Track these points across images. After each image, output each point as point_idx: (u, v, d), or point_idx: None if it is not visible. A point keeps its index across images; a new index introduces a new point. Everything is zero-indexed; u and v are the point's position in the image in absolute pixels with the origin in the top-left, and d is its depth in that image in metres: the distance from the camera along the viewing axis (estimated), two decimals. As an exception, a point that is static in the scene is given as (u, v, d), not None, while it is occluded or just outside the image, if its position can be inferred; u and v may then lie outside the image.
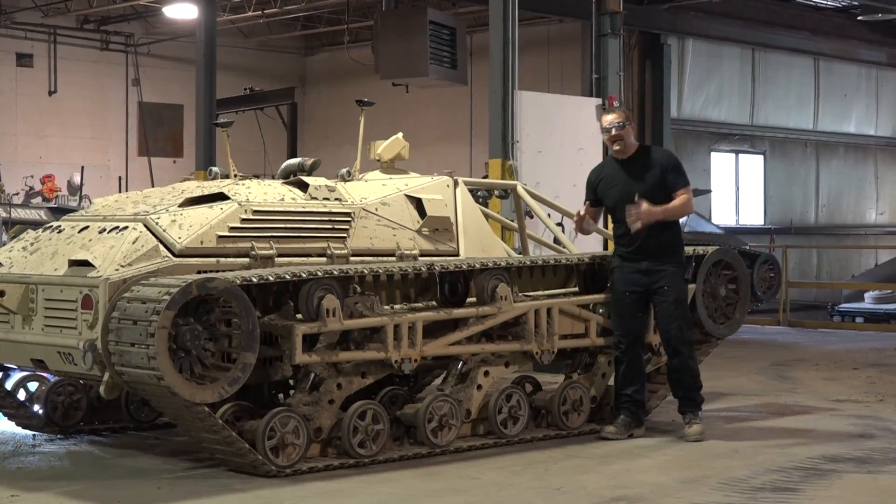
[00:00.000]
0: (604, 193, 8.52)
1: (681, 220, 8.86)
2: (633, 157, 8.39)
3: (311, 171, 8.46)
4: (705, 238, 17.56)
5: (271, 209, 7.70)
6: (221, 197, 7.67)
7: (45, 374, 8.36)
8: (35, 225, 11.52)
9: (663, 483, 7.04)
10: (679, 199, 8.29)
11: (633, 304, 8.44)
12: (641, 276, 8.35)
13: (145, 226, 7.30)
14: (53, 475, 7.29)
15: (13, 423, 8.58)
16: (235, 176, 8.46)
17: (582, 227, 8.68)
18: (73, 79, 23.86)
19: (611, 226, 9.08)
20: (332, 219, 7.93)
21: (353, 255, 7.92)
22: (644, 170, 8.33)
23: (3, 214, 14.62)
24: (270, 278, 7.08)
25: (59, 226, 7.84)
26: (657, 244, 8.32)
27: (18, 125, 23.29)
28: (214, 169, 8.63)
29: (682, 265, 8.50)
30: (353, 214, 8.03)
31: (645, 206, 8.14)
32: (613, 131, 8.34)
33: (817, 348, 15.28)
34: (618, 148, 8.36)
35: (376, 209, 8.18)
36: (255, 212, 7.61)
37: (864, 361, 13.59)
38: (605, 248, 12.77)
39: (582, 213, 8.60)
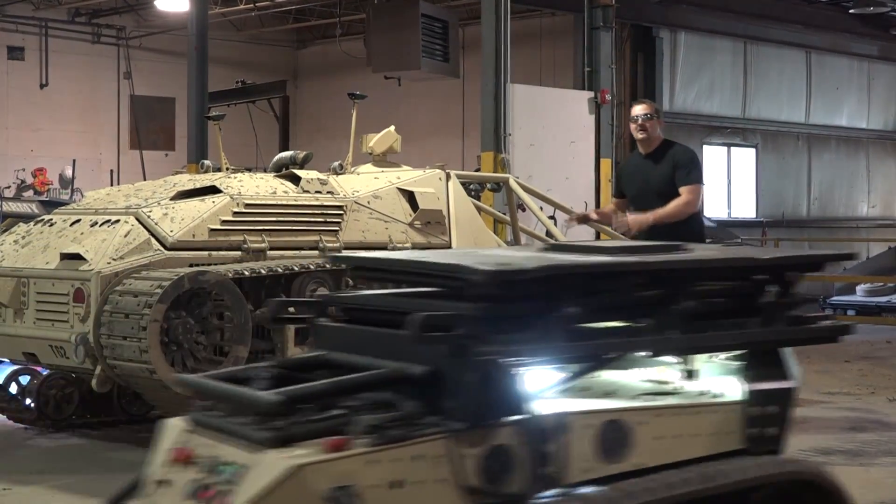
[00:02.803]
0: (626, 185, 8.57)
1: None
2: (656, 151, 8.40)
3: (303, 165, 8.46)
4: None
5: (263, 202, 7.70)
6: (213, 190, 7.67)
7: (36, 368, 8.35)
8: (26, 218, 11.50)
9: (655, 476, 7.03)
10: (676, 200, 8.14)
11: None
12: None
13: (137, 219, 7.29)
14: (45, 469, 7.28)
15: (5, 416, 8.57)
16: (227, 169, 8.45)
17: (586, 220, 8.76)
18: (64, 72, 23.81)
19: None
20: (325, 212, 7.93)
21: (346, 248, 7.92)
22: (660, 164, 8.34)
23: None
24: (262, 271, 7.07)
25: (51, 219, 7.83)
26: (670, 238, 8.26)
27: (10, 118, 23.24)
28: (206, 162, 8.63)
29: None
30: (345, 207, 8.02)
31: (631, 217, 8.12)
32: (640, 121, 8.35)
33: (809, 341, 15.27)
34: (642, 136, 8.38)
35: (368, 202, 8.18)
36: (247, 205, 7.60)
37: (856, 354, 13.61)
38: (598, 239, 12.77)
39: (592, 213, 8.79)
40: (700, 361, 3.93)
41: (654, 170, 8.33)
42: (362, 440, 3.10)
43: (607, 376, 3.85)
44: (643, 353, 3.72)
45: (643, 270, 3.59)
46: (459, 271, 3.35)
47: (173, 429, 3.56)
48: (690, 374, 3.91)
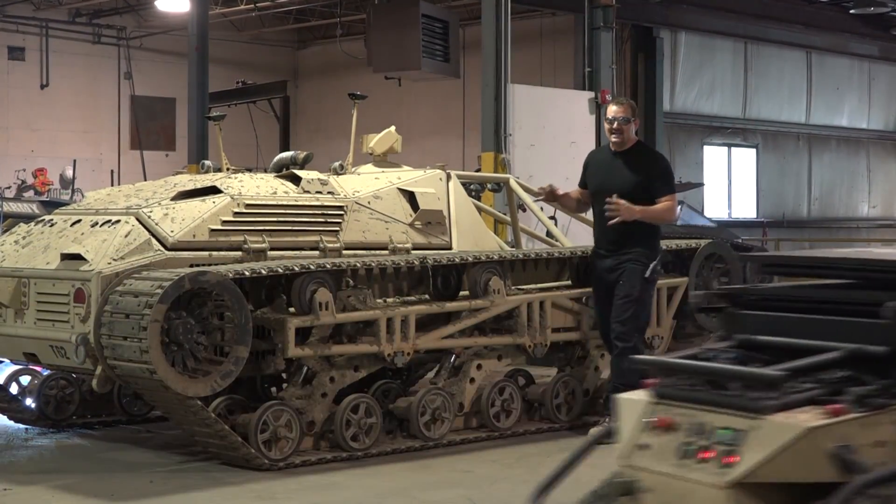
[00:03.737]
0: (590, 178, 8.39)
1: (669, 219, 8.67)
2: (628, 152, 8.24)
3: (303, 165, 8.46)
4: (697, 231, 17.57)
5: (264, 203, 7.70)
6: (214, 190, 7.67)
7: (37, 368, 8.36)
8: (27, 218, 11.50)
9: (656, 476, 7.04)
10: (662, 204, 8.02)
11: (601, 300, 8.21)
12: (607, 271, 8.11)
13: (138, 219, 7.29)
14: (46, 469, 7.29)
15: (5, 416, 8.57)
16: (228, 169, 8.46)
17: (554, 198, 8.44)
18: (65, 72, 23.81)
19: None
20: (325, 212, 7.93)
21: (346, 249, 7.92)
22: (631, 167, 8.14)
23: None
24: (263, 272, 7.07)
25: (52, 219, 7.83)
26: (624, 241, 8.04)
27: (10, 119, 23.24)
28: (207, 162, 8.63)
29: (645, 264, 8.06)
30: (345, 208, 8.03)
31: (624, 202, 7.93)
32: (616, 124, 8.16)
33: (809, 341, 15.27)
34: (616, 140, 8.22)
35: (369, 202, 8.18)
36: (248, 205, 7.61)
37: (857, 354, 13.58)
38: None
39: (559, 189, 8.41)
40: None
41: (622, 170, 8.12)
42: (853, 407, 3.79)
43: None
44: None
45: None
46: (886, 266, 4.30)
47: (637, 403, 4.25)
48: None
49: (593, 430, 7.78)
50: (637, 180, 8.06)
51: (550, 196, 8.40)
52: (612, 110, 8.28)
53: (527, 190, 9.77)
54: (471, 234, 8.64)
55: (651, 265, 8.10)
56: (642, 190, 8.04)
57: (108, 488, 6.74)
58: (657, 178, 8.12)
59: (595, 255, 8.29)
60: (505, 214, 10.43)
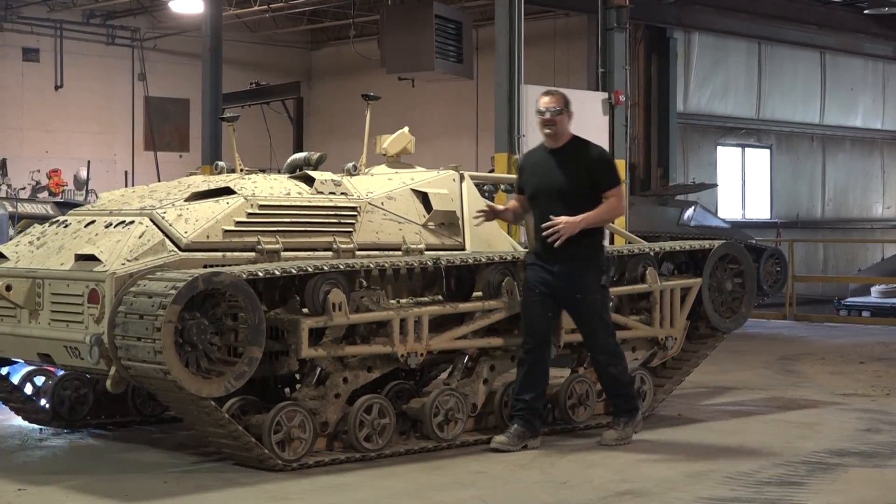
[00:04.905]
0: (526, 182, 8.01)
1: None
2: (563, 148, 7.86)
3: (316, 166, 8.46)
4: (711, 232, 17.56)
5: (277, 203, 7.71)
6: (227, 191, 7.68)
7: (51, 369, 8.38)
8: (41, 219, 11.54)
9: (669, 477, 7.04)
10: (605, 205, 7.70)
11: (542, 305, 7.85)
12: (553, 277, 7.77)
13: (151, 220, 7.30)
14: (60, 469, 7.30)
15: (20, 417, 8.59)
16: (241, 170, 8.46)
17: (494, 216, 8.16)
18: (79, 73, 23.89)
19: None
20: (338, 213, 7.93)
21: (359, 250, 7.92)
22: (570, 163, 7.79)
23: (10, 209, 14.64)
24: (276, 273, 7.08)
25: (66, 220, 7.85)
26: (572, 247, 7.71)
27: (25, 120, 23.32)
28: (220, 163, 8.64)
29: (600, 269, 7.87)
30: (359, 209, 8.03)
31: (564, 219, 7.62)
32: (548, 115, 7.79)
33: (823, 342, 15.26)
34: (549, 132, 7.86)
35: (382, 203, 8.18)
36: (261, 206, 7.61)
37: (871, 355, 13.57)
38: (612, 241, 12.76)
39: (500, 207, 8.14)
40: None
41: (559, 168, 7.79)
42: None
43: None
44: None
45: None
46: None
47: None
48: None
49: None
50: (578, 176, 7.74)
51: (490, 216, 8.18)
52: (542, 102, 7.86)
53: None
54: (484, 235, 8.64)
55: (605, 274, 7.94)
56: (585, 186, 7.73)
57: (122, 489, 6.75)
58: (599, 170, 7.79)
59: (534, 259, 7.90)
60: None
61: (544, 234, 7.71)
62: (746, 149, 24.38)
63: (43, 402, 8.53)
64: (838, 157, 25.90)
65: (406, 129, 8.92)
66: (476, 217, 8.35)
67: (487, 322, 8.08)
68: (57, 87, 23.73)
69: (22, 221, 14.01)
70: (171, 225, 7.26)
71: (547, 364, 8.00)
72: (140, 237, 7.15)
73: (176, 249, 7.18)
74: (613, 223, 9.04)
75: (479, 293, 8.14)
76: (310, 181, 8.05)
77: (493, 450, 7.74)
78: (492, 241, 8.74)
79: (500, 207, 8.24)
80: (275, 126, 23.58)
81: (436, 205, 8.38)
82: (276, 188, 7.86)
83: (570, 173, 7.78)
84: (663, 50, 21.82)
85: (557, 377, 8.85)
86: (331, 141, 24.18)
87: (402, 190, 8.36)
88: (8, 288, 7.34)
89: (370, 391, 7.71)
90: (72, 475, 7.07)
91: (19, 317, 7.42)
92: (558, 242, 7.66)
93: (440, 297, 8.05)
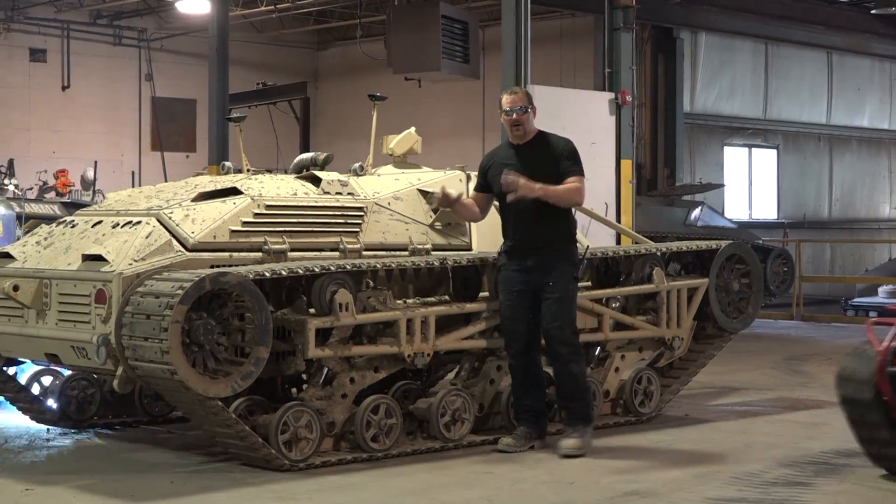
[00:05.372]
0: (493, 179, 7.88)
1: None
2: (529, 143, 7.82)
3: (323, 166, 8.46)
4: (718, 232, 17.54)
5: (284, 204, 7.71)
6: (234, 192, 7.68)
7: (58, 369, 8.39)
8: (49, 220, 11.54)
9: (676, 477, 7.04)
10: (567, 185, 7.66)
11: (520, 306, 7.76)
12: (527, 274, 7.72)
13: (158, 220, 7.31)
14: (67, 469, 7.31)
15: (27, 417, 8.60)
16: (248, 170, 8.47)
17: (448, 203, 7.92)
18: (86, 74, 23.90)
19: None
20: (345, 213, 7.94)
21: (366, 250, 7.92)
22: (537, 156, 7.75)
23: (17, 209, 14.64)
24: (283, 273, 7.08)
25: (73, 220, 7.86)
26: (545, 239, 7.72)
27: (32, 120, 23.34)
28: (227, 164, 8.64)
29: (573, 263, 7.80)
30: (365, 209, 8.03)
31: (523, 180, 7.54)
32: (514, 115, 7.73)
33: (831, 343, 15.24)
34: (517, 132, 7.80)
35: (389, 203, 8.19)
36: (268, 206, 7.62)
37: (878, 356, 13.53)
38: (618, 242, 12.76)
39: (454, 195, 7.91)
40: None
41: (528, 162, 7.72)
42: None
43: None
44: None
45: None
46: None
47: None
48: None
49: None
50: (546, 170, 7.69)
51: (445, 202, 7.94)
52: (507, 101, 7.78)
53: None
54: (491, 235, 8.63)
55: (580, 266, 7.89)
56: (554, 179, 7.67)
57: (129, 489, 6.75)
58: (563, 158, 7.73)
59: (509, 257, 7.83)
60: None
61: (500, 181, 7.64)
62: (753, 149, 24.35)
63: (50, 402, 8.55)
64: (845, 157, 25.87)
65: (412, 129, 8.92)
66: (429, 202, 8.24)
67: (494, 322, 8.07)
68: (64, 88, 23.74)
69: (29, 222, 14.01)
70: (177, 225, 7.27)
71: (539, 364, 7.93)
72: (147, 237, 7.16)
73: (183, 250, 7.19)
74: (581, 210, 8.50)
75: (486, 293, 8.15)
76: (316, 181, 8.05)
77: (499, 451, 7.74)
78: (498, 241, 8.73)
79: (455, 195, 7.94)
80: (281, 126, 23.58)
81: (442, 205, 8.37)
82: (283, 188, 7.86)
83: (539, 167, 7.72)
84: (670, 50, 21.80)
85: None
86: (337, 141, 24.19)
87: (409, 190, 8.36)
88: (15, 288, 7.35)
89: (377, 391, 7.71)
90: (79, 475, 7.08)
91: (27, 317, 7.44)
92: (510, 197, 7.59)
93: (447, 297, 8.05)
